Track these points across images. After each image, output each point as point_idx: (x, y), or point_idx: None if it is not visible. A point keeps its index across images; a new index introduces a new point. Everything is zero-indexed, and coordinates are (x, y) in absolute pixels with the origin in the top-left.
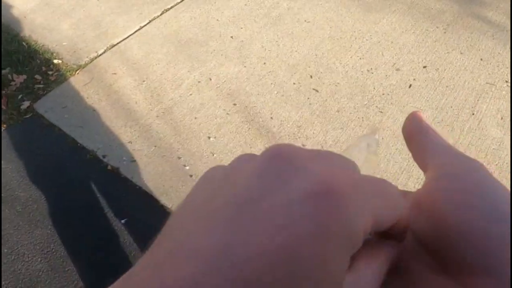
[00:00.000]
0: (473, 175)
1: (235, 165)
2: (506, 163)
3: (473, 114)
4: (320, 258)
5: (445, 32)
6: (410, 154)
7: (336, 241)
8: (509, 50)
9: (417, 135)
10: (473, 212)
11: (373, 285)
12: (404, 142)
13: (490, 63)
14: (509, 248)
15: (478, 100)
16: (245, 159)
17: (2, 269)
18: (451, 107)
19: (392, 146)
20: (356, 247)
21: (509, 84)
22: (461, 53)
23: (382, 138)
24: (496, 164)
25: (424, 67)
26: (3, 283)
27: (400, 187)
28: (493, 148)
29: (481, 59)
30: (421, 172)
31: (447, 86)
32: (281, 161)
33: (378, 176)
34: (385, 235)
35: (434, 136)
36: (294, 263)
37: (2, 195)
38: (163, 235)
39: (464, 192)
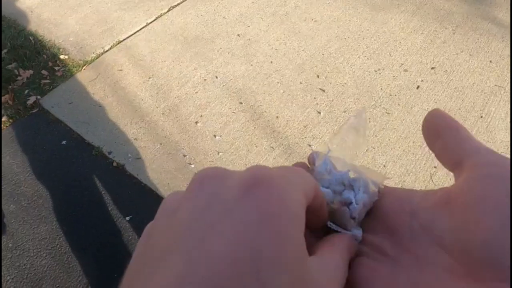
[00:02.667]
0: None
1: (164, 206)
2: None
3: (481, 117)
4: (277, 239)
5: (454, 33)
6: (417, 156)
7: (285, 219)
8: None
9: (446, 131)
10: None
11: (341, 269)
12: (410, 143)
13: (499, 65)
14: None
15: (486, 103)
16: (172, 197)
17: (7, 264)
18: (459, 109)
19: (399, 147)
20: (303, 222)
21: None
22: (470, 54)
23: (369, 119)
24: None
25: (432, 68)
26: (8, 278)
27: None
28: (501, 152)
29: (490, 61)
30: (427, 174)
31: (455, 88)
32: (207, 181)
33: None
34: (312, 216)
35: (466, 133)
36: (255, 255)
37: (8, 190)
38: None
39: (506, 195)
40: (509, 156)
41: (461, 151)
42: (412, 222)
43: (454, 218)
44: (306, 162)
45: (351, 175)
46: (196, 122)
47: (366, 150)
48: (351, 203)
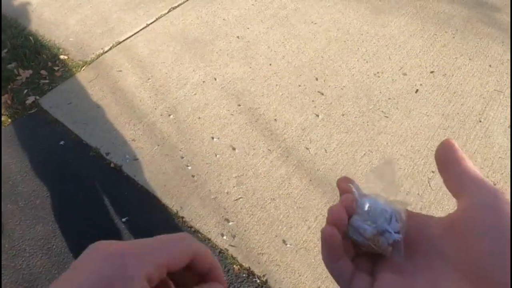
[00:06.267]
0: (501, 205)
1: None
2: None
3: (480, 121)
4: None
5: (453, 37)
6: (415, 160)
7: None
8: None
9: (451, 164)
10: (501, 238)
11: None
12: (408, 147)
13: (499, 70)
14: None
15: (485, 107)
16: None
17: (3, 264)
18: (458, 113)
19: (397, 151)
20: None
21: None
22: (469, 59)
23: (397, 167)
24: (502, 174)
25: (432, 72)
26: (3, 278)
27: (404, 193)
28: (499, 157)
29: (490, 66)
30: (424, 179)
31: (454, 92)
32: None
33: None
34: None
35: (467, 167)
36: None
37: (5, 189)
38: None
39: (496, 222)
40: (508, 160)
41: (460, 182)
42: (428, 246)
43: (458, 243)
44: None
45: (385, 207)
46: (194, 124)
47: (364, 154)
48: (386, 232)
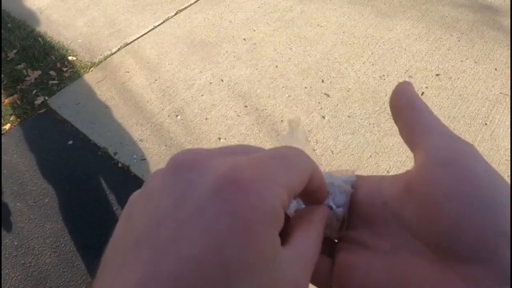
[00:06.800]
0: (467, 162)
1: (147, 185)
2: None
3: (486, 124)
4: (247, 244)
5: (459, 41)
6: None
7: (256, 222)
8: None
9: (406, 110)
10: (468, 203)
11: (314, 253)
12: None
13: (505, 73)
14: (501, 237)
15: (491, 110)
16: (155, 176)
17: (12, 262)
18: (464, 116)
19: (403, 153)
20: (280, 220)
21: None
22: (475, 62)
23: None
24: (508, 176)
25: (437, 75)
26: (13, 275)
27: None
28: (505, 159)
29: (496, 69)
30: None
31: (460, 95)
32: (184, 169)
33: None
34: (308, 197)
35: (424, 113)
36: (224, 260)
37: (14, 188)
38: (98, 271)
39: (459, 182)
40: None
41: (416, 132)
42: (385, 211)
43: (417, 206)
44: None
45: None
46: (201, 125)
47: (370, 156)
48: (331, 208)
